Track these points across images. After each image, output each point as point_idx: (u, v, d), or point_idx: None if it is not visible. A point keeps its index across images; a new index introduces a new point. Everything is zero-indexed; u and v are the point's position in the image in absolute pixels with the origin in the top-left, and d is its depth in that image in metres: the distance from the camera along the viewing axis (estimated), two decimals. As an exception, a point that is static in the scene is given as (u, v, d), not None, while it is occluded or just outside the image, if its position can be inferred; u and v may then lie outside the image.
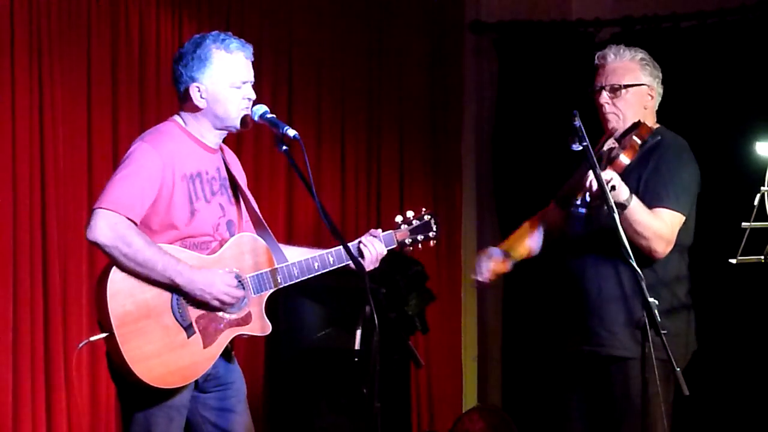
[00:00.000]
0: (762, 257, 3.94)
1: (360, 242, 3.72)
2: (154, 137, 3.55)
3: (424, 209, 3.86)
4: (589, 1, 6.68)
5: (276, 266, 3.61)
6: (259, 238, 3.65)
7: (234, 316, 3.53)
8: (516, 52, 6.68)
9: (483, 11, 6.79)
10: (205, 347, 3.48)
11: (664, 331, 3.50)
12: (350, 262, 3.62)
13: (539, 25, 6.65)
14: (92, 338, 3.47)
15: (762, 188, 3.82)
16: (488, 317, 6.88)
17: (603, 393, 3.99)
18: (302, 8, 6.11)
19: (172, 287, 3.42)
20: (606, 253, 3.97)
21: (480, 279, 4.15)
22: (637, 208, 3.81)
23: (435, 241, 3.87)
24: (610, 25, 6.52)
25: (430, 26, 6.62)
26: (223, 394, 3.62)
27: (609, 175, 3.72)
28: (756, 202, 3.82)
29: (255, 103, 3.63)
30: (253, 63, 3.61)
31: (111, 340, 3.39)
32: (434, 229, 3.85)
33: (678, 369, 3.47)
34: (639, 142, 3.90)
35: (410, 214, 3.83)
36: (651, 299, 3.49)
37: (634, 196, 3.80)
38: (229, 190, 3.66)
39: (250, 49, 3.60)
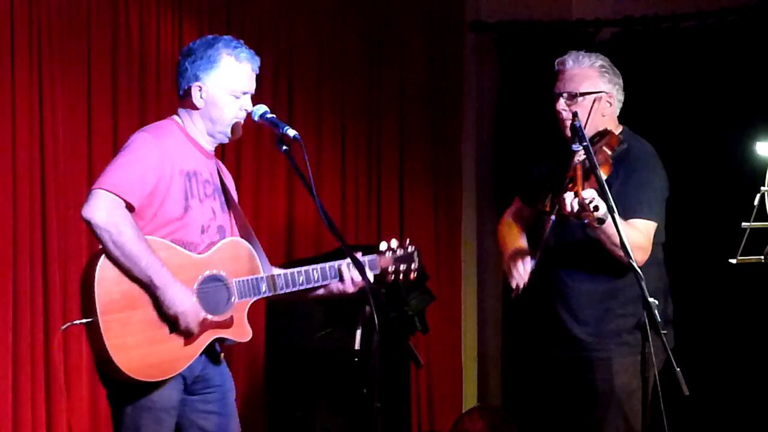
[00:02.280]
0: (762, 257, 3.94)
1: (342, 265, 3.70)
2: (155, 130, 3.58)
3: (408, 240, 3.89)
4: (589, 1, 6.67)
5: (263, 275, 3.62)
6: (249, 246, 3.65)
7: (216, 318, 3.52)
8: (516, 52, 6.68)
9: (483, 11, 6.79)
10: (185, 345, 3.48)
11: (664, 332, 3.52)
12: (334, 280, 3.67)
13: (539, 25, 6.64)
14: (75, 322, 3.44)
15: (762, 188, 3.82)
16: (488, 317, 6.88)
17: (585, 389, 4.01)
18: (302, 8, 6.11)
19: (149, 287, 3.40)
20: (584, 257, 3.99)
21: (522, 285, 4.03)
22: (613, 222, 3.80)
23: (414, 274, 3.86)
24: (610, 25, 6.52)
25: (430, 26, 6.62)
26: (211, 397, 3.62)
27: (589, 194, 3.68)
28: (756, 202, 3.82)
29: (255, 102, 3.64)
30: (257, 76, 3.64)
31: (93, 326, 3.37)
32: (416, 261, 3.87)
33: (678, 369, 3.49)
34: (610, 153, 3.89)
35: (394, 243, 3.84)
36: (651, 299, 3.51)
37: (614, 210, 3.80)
38: (221, 197, 3.68)
39: (257, 62, 3.63)
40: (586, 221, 3.73)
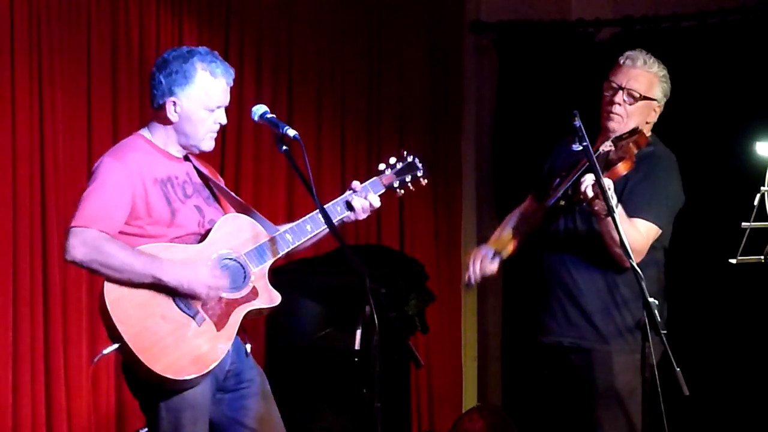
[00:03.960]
0: (762, 257, 3.94)
1: (350, 195, 3.73)
2: (116, 151, 3.59)
3: (405, 151, 3.86)
4: (589, 1, 6.68)
5: (270, 237, 3.63)
6: (244, 215, 3.66)
7: (240, 294, 3.54)
8: (516, 52, 6.68)
9: (483, 11, 6.79)
10: (219, 330, 3.50)
11: (664, 331, 3.53)
12: (343, 215, 3.70)
13: (539, 25, 6.65)
14: (105, 351, 3.48)
15: (762, 188, 3.82)
16: (488, 317, 6.88)
17: (585, 388, 4.01)
18: (302, 8, 6.11)
19: (158, 285, 3.42)
20: (586, 251, 4.00)
21: (472, 281, 4.12)
22: (621, 216, 3.79)
23: (425, 180, 3.85)
24: (610, 25, 6.52)
25: (430, 26, 6.62)
26: (246, 392, 3.63)
27: (608, 183, 3.71)
28: (756, 202, 3.82)
29: (255, 103, 3.66)
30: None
31: (125, 347, 3.40)
32: (419, 167, 3.84)
33: (678, 369, 3.49)
34: (636, 151, 3.90)
35: (392, 159, 3.83)
36: (651, 299, 3.51)
37: (620, 205, 3.80)
38: (205, 192, 3.68)
39: (232, 74, 3.63)
40: (595, 208, 3.74)
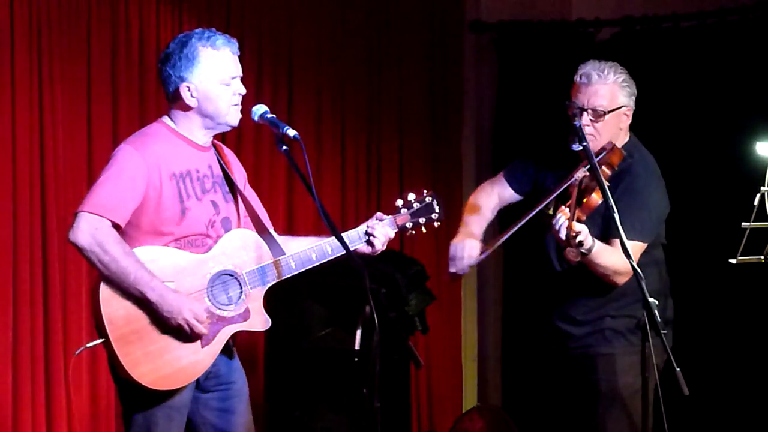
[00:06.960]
0: (762, 257, 3.95)
1: (368, 230, 3.69)
2: (137, 139, 3.56)
3: (425, 191, 3.81)
4: (589, 1, 6.68)
5: (273, 260, 3.60)
6: (254, 233, 3.64)
7: (232, 313, 3.53)
8: (516, 52, 6.68)
9: (483, 11, 6.79)
10: (203, 346, 3.49)
11: (665, 332, 3.53)
12: (353, 245, 3.64)
13: (539, 25, 6.65)
14: (89, 344, 3.48)
15: (762, 188, 3.83)
16: (488, 317, 6.88)
17: (589, 389, 4.01)
18: (302, 8, 6.11)
19: (143, 301, 3.41)
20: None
21: (460, 272, 4.04)
22: (599, 252, 3.80)
23: (438, 223, 3.81)
24: (610, 25, 6.52)
25: (430, 26, 6.62)
26: (225, 394, 3.62)
27: (578, 228, 3.68)
28: (756, 202, 3.83)
29: (255, 103, 3.64)
30: (240, 58, 3.62)
31: (108, 345, 3.40)
32: (436, 210, 3.80)
33: (678, 369, 3.49)
34: (609, 173, 3.87)
35: (411, 196, 3.78)
36: (651, 299, 3.52)
37: (596, 242, 3.78)
38: (224, 187, 3.65)
39: (235, 44, 3.60)
40: (569, 256, 3.72)
